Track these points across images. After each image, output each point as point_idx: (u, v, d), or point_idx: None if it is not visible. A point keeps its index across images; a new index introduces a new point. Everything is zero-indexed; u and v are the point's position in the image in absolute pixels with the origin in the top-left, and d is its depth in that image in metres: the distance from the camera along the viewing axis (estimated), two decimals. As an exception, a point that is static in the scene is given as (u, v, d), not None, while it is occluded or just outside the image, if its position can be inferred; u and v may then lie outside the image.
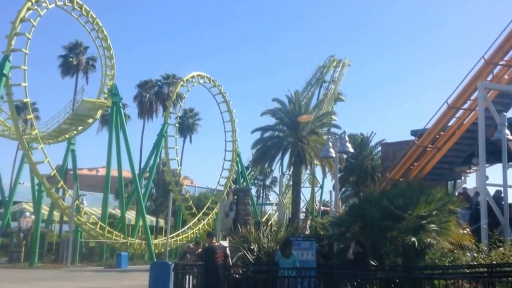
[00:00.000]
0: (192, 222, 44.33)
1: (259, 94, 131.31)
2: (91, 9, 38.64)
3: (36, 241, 33.76)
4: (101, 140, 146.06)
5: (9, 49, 32.35)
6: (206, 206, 46.71)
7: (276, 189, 55.53)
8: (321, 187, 54.42)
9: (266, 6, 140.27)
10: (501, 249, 12.87)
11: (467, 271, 11.37)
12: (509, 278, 10.30)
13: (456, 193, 20.64)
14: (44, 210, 40.65)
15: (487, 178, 17.74)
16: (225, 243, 15.41)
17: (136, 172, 41.42)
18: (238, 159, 48.84)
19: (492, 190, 17.32)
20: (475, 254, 12.68)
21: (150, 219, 45.87)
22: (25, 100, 34.30)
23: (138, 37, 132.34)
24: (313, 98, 57.01)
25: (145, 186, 45.44)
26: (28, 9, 32.98)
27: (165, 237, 35.41)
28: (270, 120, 36.82)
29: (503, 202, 16.94)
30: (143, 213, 40.37)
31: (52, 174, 34.56)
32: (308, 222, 41.96)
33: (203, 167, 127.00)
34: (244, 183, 48.53)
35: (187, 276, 13.78)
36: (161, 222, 48.55)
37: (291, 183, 44.05)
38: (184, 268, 14.13)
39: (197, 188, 67.19)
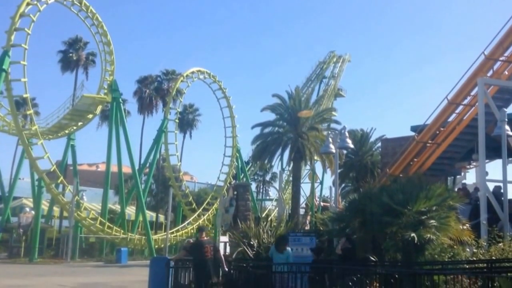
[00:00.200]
0: (192, 218, 44.43)
1: (259, 90, 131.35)
2: (91, 4, 38.80)
3: (36, 236, 33.84)
4: (101, 136, 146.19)
5: (9, 44, 32.38)
6: (206, 201, 46.84)
7: (276, 184, 55.45)
8: (321, 182, 54.41)
9: (266, 1, 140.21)
10: (500, 244, 12.87)
11: (467, 266, 11.37)
12: (509, 274, 10.31)
13: (456, 189, 20.64)
14: (44, 205, 40.76)
15: (486, 173, 17.71)
16: (225, 239, 15.45)
17: (136, 167, 41.47)
18: (238, 154, 48.91)
19: (491, 186, 17.31)
20: (474, 250, 12.67)
21: (150, 215, 45.92)
22: (24, 95, 34.34)
23: (138, 32, 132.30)
24: (313, 94, 56.82)
25: (145, 181, 45.44)
26: (28, 4, 32.99)
27: (165, 233, 35.49)
28: (270, 116, 36.85)
29: (502, 198, 16.94)
30: (143, 208, 40.43)
31: (52, 170, 34.57)
32: (308, 217, 42.03)
33: (203, 162, 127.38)
34: (244, 179, 48.59)
35: (180, 271, 13.83)
36: (161, 217, 48.62)
37: (291, 178, 44.09)
38: (177, 263, 14.12)
39: (197, 183, 67.37)
